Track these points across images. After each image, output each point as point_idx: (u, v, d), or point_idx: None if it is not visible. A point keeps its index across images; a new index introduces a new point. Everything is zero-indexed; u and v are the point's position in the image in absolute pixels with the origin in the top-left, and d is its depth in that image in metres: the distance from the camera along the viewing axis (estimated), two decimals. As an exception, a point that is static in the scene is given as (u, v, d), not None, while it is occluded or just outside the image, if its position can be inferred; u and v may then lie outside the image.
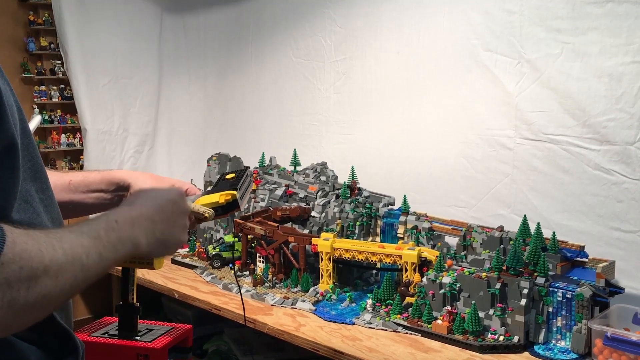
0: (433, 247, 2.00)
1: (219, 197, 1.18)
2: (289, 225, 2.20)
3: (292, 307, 1.97)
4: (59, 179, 1.16)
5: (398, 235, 2.10)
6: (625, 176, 1.85)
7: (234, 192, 1.19)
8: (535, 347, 1.61)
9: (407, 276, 1.88)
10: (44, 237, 0.74)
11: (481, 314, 1.66)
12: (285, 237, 2.11)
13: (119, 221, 0.89)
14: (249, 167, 1.29)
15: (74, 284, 0.77)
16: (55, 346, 0.88)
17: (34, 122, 2.77)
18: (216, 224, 2.59)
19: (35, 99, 3.48)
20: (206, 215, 1.16)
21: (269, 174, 2.51)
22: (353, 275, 2.16)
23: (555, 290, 1.62)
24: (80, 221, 0.86)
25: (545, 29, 2.00)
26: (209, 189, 1.24)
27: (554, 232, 1.74)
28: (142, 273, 2.29)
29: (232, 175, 1.26)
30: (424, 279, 1.79)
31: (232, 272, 2.30)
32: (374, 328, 1.79)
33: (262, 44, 3.10)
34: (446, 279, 1.74)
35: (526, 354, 1.59)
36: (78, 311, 3.30)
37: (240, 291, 2.01)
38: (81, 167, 3.52)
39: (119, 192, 1.21)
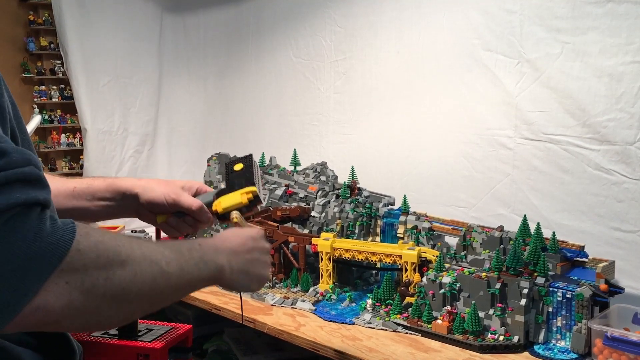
0: (433, 247, 2.00)
1: (241, 197, 1.16)
2: (289, 225, 2.20)
3: (292, 307, 1.97)
4: (63, 185, 1.15)
5: (398, 235, 2.10)
6: (626, 176, 1.85)
7: (254, 188, 1.17)
8: (535, 347, 1.61)
9: (407, 276, 1.88)
10: (124, 239, 0.78)
11: (481, 314, 1.66)
12: (285, 237, 2.11)
13: (202, 245, 0.92)
14: (251, 154, 1.27)
15: (153, 287, 0.80)
16: (52, 349, 0.88)
17: (34, 122, 2.77)
18: (216, 224, 2.59)
19: (35, 99, 3.48)
20: (237, 220, 1.15)
21: (269, 174, 2.50)
22: (353, 275, 2.16)
23: (555, 290, 1.62)
24: (164, 240, 0.91)
25: (545, 28, 2.00)
26: (222, 187, 1.21)
27: (554, 232, 1.74)
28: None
29: (240, 165, 1.22)
30: (424, 279, 1.79)
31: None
32: (374, 328, 1.79)
33: (262, 44, 3.10)
34: (446, 279, 1.74)
35: (526, 353, 1.59)
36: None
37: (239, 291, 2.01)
38: (81, 167, 3.52)
39: (125, 202, 1.18)
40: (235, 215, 1.16)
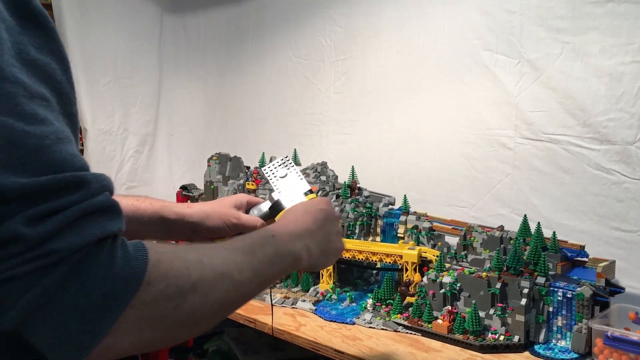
0: (433, 246, 2.00)
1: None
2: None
3: (293, 307, 1.97)
4: None
5: (398, 235, 2.10)
6: (626, 176, 1.85)
7: (314, 195, 1.16)
8: (536, 347, 1.61)
9: (407, 276, 1.88)
10: (192, 254, 0.74)
11: (481, 314, 1.66)
12: (286, 237, 2.11)
13: (276, 235, 0.88)
14: (287, 156, 1.24)
15: (225, 301, 0.76)
16: None
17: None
18: None
19: (35, 99, 3.48)
20: None
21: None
22: (353, 275, 2.16)
23: (556, 289, 1.62)
24: (237, 237, 0.86)
25: (545, 28, 2.00)
26: (272, 195, 1.16)
27: (554, 232, 1.74)
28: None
29: (284, 171, 1.19)
30: (424, 279, 1.79)
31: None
32: (374, 328, 1.79)
33: (262, 44, 3.10)
34: (446, 279, 1.74)
35: (526, 353, 1.60)
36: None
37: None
38: (81, 167, 3.51)
39: (175, 229, 1.11)
40: None
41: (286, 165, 1.19)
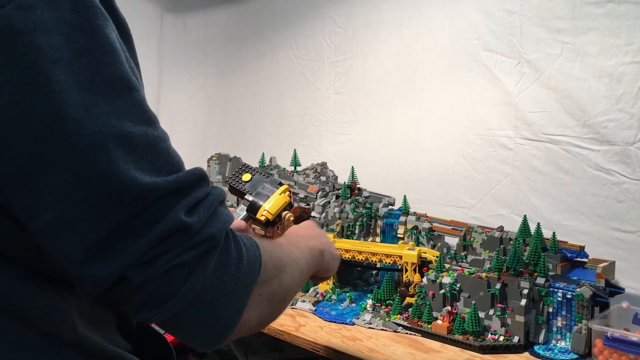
0: (433, 247, 2.00)
1: (283, 197, 1.19)
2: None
3: (292, 307, 1.97)
4: None
5: (398, 235, 2.10)
6: (626, 176, 1.85)
7: (286, 186, 1.21)
8: (536, 347, 1.61)
9: (407, 276, 1.87)
10: (276, 244, 0.87)
11: (481, 314, 1.66)
12: (285, 237, 2.11)
13: (305, 238, 1.00)
14: (244, 163, 1.30)
15: (299, 283, 0.90)
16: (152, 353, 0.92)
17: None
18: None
19: (35, 99, 3.48)
20: (292, 219, 1.20)
21: (269, 174, 2.50)
22: (353, 276, 2.16)
23: (556, 290, 1.62)
24: (291, 238, 0.99)
25: (545, 29, 2.00)
26: (247, 197, 1.20)
27: (554, 233, 1.74)
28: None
29: (248, 175, 1.24)
30: (424, 279, 1.79)
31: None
32: (374, 328, 1.78)
33: (262, 44, 3.10)
34: (446, 279, 1.74)
35: (526, 354, 1.59)
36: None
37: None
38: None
39: None
40: (287, 214, 1.19)
41: (246, 170, 1.24)
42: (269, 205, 1.16)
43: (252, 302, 0.72)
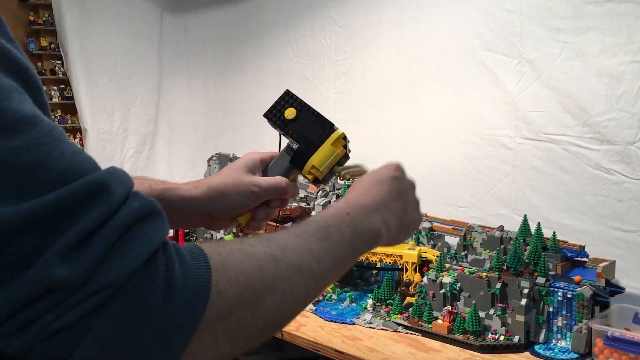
0: (433, 246, 2.00)
1: (336, 148, 0.93)
2: (289, 225, 2.20)
3: (293, 307, 1.97)
4: None
5: (398, 235, 2.09)
6: (626, 176, 1.85)
7: (340, 132, 0.93)
8: (536, 347, 1.61)
9: (407, 276, 1.88)
10: (261, 248, 0.62)
11: (481, 314, 1.66)
12: (286, 237, 2.11)
13: (351, 213, 0.74)
14: (287, 89, 0.98)
15: (306, 296, 0.66)
16: None
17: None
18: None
19: (35, 99, 3.47)
20: (353, 177, 0.94)
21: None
22: (353, 275, 2.16)
23: (556, 290, 1.62)
24: (306, 220, 0.72)
25: (545, 28, 2.00)
26: (290, 145, 0.95)
27: (554, 232, 1.74)
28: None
29: (292, 111, 0.95)
30: (425, 279, 1.79)
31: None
32: (374, 328, 1.79)
33: (262, 43, 3.10)
34: (446, 279, 1.74)
35: (526, 353, 1.60)
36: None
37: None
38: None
39: (181, 215, 0.92)
40: (346, 173, 0.95)
41: (291, 104, 0.96)
42: (319, 162, 0.92)
43: (198, 345, 0.53)
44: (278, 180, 0.94)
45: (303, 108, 0.95)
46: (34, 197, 0.47)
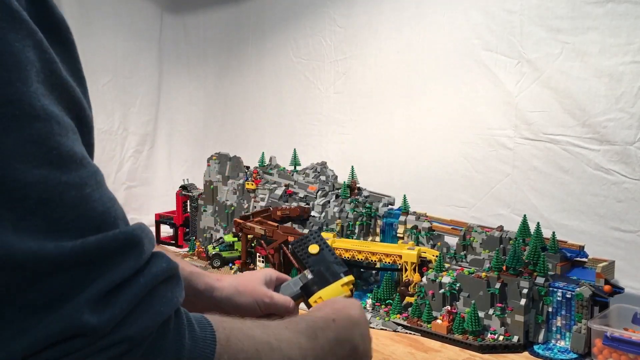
0: (433, 247, 2.00)
1: (344, 290, 1.02)
2: (288, 225, 2.20)
3: (292, 307, 1.96)
4: None
5: (398, 235, 2.10)
6: (625, 176, 1.85)
7: (352, 278, 1.04)
8: (535, 347, 1.61)
9: (406, 276, 1.87)
10: (259, 333, 0.66)
11: (481, 314, 1.66)
12: (285, 237, 2.11)
13: (336, 320, 0.81)
14: (318, 229, 1.12)
15: None
16: None
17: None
18: (216, 223, 2.59)
19: (35, 99, 3.48)
20: None
21: (269, 174, 2.51)
22: (353, 275, 2.16)
23: (555, 290, 1.62)
24: (296, 317, 0.79)
25: (545, 28, 2.00)
26: (305, 273, 1.06)
27: (553, 232, 1.74)
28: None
29: (316, 247, 1.07)
30: (424, 279, 1.79)
31: (232, 271, 2.29)
32: (373, 328, 1.78)
33: (262, 44, 3.10)
34: (446, 279, 1.74)
35: (526, 353, 1.59)
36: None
37: None
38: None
39: (200, 301, 0.97)
40: None
41: (315, 241, 1.08)
42: (326, 295, 1.02)
43: None
44: (286, 300, 1.03)
45: (325, 247, 1.08)
46: (74, 236, 0.48)
